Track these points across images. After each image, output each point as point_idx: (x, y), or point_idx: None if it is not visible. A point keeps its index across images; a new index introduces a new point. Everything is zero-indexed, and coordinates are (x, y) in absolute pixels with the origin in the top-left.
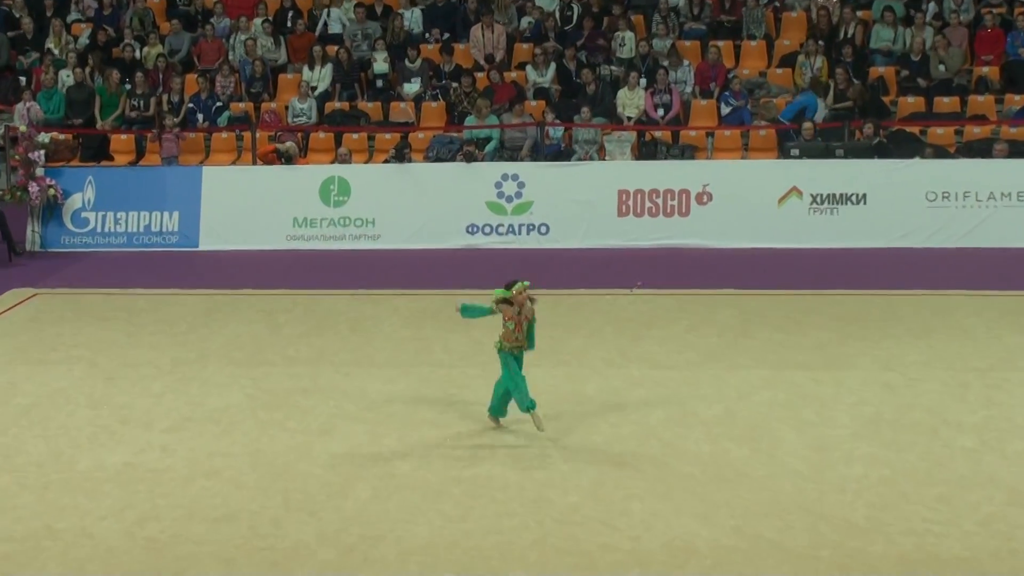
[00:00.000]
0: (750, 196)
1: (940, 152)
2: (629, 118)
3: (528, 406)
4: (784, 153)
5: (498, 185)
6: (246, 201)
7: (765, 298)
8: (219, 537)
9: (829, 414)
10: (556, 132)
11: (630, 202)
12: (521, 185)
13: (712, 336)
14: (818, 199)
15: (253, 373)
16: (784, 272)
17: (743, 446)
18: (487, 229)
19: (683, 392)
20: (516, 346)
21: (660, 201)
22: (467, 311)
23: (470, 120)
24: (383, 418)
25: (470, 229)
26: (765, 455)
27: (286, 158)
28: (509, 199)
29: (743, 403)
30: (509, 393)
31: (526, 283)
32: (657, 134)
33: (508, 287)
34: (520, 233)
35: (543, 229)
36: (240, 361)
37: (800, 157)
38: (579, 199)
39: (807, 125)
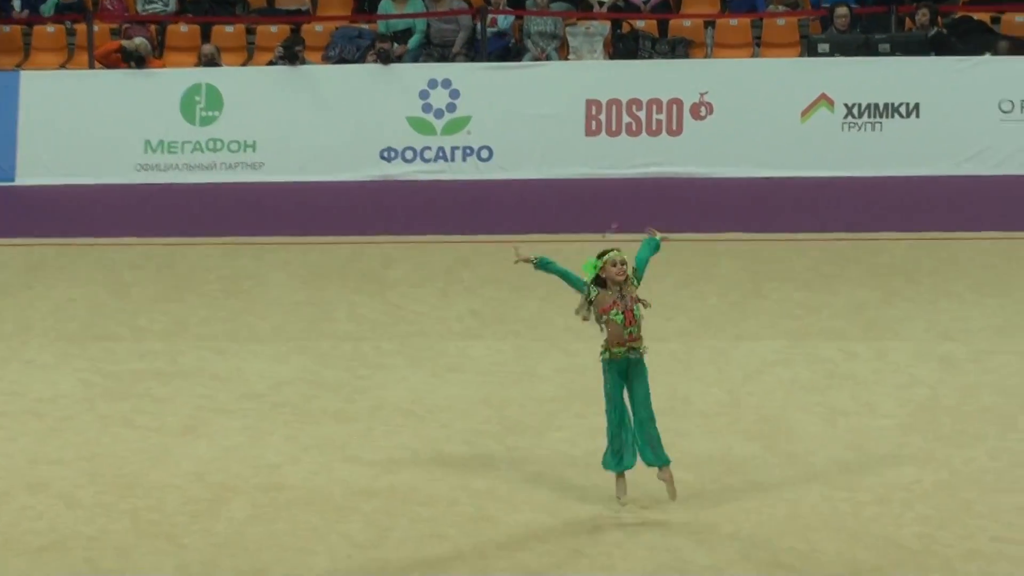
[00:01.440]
0: (763, 108)
1: (1019, 46)
2: (601, 3)
3: (614, 464)
4: (810, 50)
5: (424, 95)
6: (80, 119)
7: (783, 245)
8: (44, 573)
9: (869, 399)
10: (503, 22)
11: (602, 117)
12: (454, 95)
13: (712, 296)
14: (855, 111)
15: (91, 351)
16: (809, 210)
17: (753, 443)
18: (408, 154)
19: (673, 371)
20: (629, 348)
21: (643, 115)
22: (545, 265)
23: (385, 6)
24: (268, 410)
25: (386, 155)
26: (782, 455)
27: (135, 60)
28: (438, 114)
29: (753, 385)
30: (632, 431)
31: (619, 252)
32: (639, 24)
33: (599, 257)
34: (453, 159)
35: (484, 154)
36: (73, 335)
37: (831, 54)
38: (533, 113)
39: (841, 11)
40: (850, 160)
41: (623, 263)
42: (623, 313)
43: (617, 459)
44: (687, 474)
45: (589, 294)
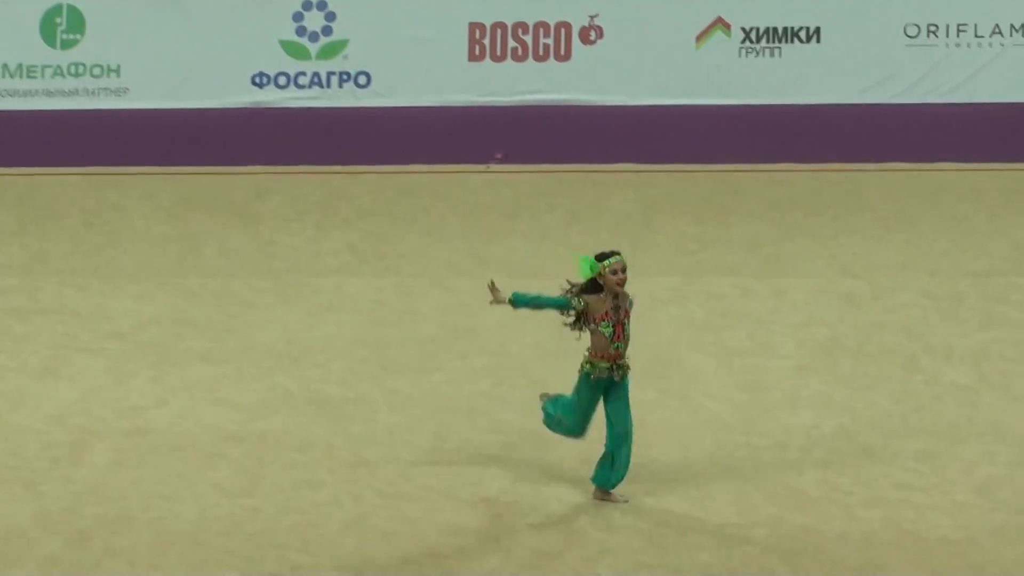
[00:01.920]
0: (656, 32)
1: None
2: None
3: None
4: None
5: (298, 17)
6: None
7: (676, 176)
8: None
9: (766, 339)
10: None
11: (486, 41)
12: (330, 17)
13: (601, 230)
14: (752, 36)
15: None
16: (704, 139)
17: (646, 386)
18: (282, 80)
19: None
20: (614, 365)
21: (529, 39)
22: (522, 301)
23: None
24: (132, 350)
25: (258, 80)
26: (676, 397)
27: None
28: (313, 37)
29: (645, 324)
30: (616, 446)
31: (620, 257)
32: None
33: (599, 260)
34: (329, 85)
35: (362, 80)
36: None
37: None
38: (414, 37)
39: None
40: (747, 87)
41: (624, 271)
42: (613, 327)
43: (604, 475)
44: None
45: (580, 307)
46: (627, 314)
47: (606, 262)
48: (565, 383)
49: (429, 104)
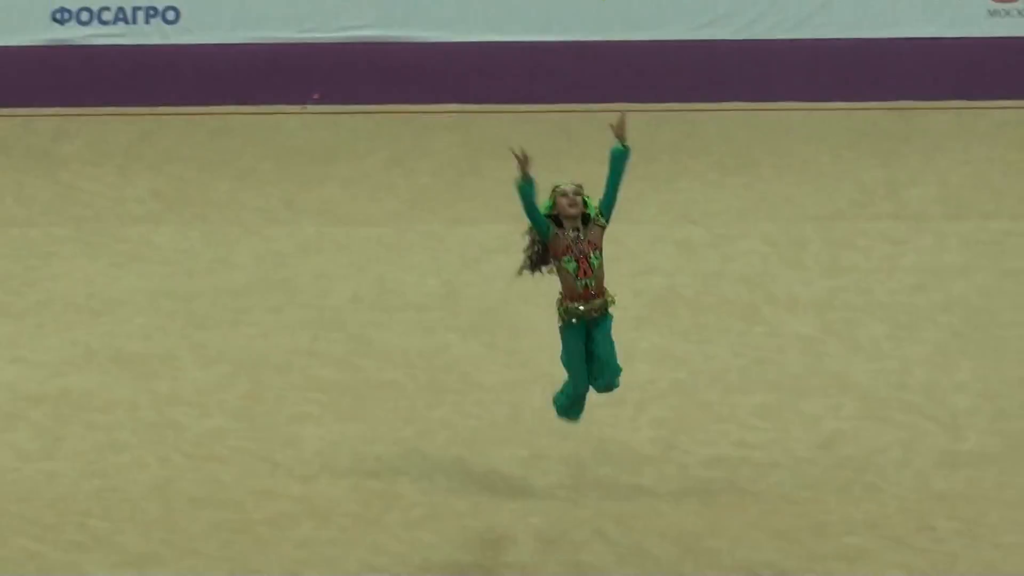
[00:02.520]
0: None
1: None
2: None
3: (564, 412)
4: None
5: None
6: None
7: (503, 117)
8: None
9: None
10: None
11: None
12: None
13: (424, 174)
14: None
15: None
16: (530, 78)
17: (471, 338)
18: (84, 16)
19: (381, 259)
20: (587, 306)
21: None
22: (526, 195)
23: None
24: None
25: (58, 16)
26: (503, 352)
27: None
28: None
29: (470, 274)
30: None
31: (575, 184)
32: None
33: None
34: (135, 21)
35: (170, 15)
36: None
37: None
38: None
39: None
40: (579, 22)
41: (576, 193)
42: (576, 260)
43: (568, 409)
44: (395, 373)
45: (545, 233)
46: (593, 245)
47: (557, 187)
48: (385, 335)
49: (242, 41)
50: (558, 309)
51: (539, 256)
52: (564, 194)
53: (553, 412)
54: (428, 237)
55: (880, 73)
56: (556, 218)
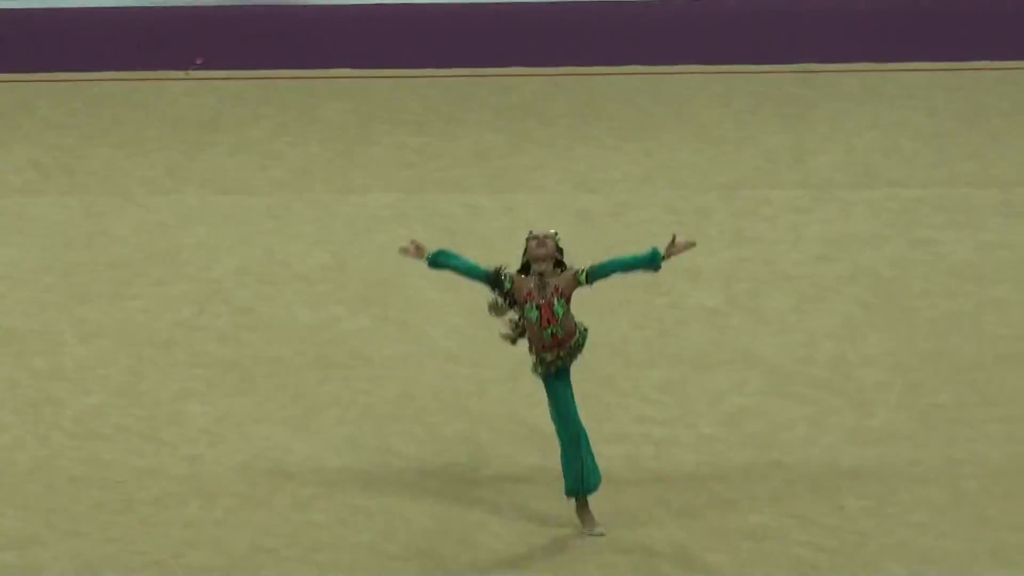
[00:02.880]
0: None
1: None
2: None
3: (573, 488)
4: None
5: None
6: None
7: (395, 82)
8: None
9: (496, 260)
10: None
11: None
12: None
13: (312, 142)
14: None
15: None
16: (424, 42)
17: (362, 312)
18: None
19: (268, 229)
20: (553, 354)
21: None
22: (443, 261)
23: None
24: None
25: None
26: (396, 326)
27: None
28: None
29: (360, 245)
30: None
31: (552, 232)
32: None
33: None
34: None
35: None
36: None
37: None
38: None
39: None
40: None
41: (546, 237)
42: (538, 308)
43: (577, 481)
44: (283, 348)
45: (504, 283)
46: (560, 292)
47: (530, 233)
48: (272, 309)
49: (122, 4)
50: (533, 368)
51: (509, 305)
52: (533, 236)
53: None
54: (316, 207)
55: (784, 35)
56: (526, 265)
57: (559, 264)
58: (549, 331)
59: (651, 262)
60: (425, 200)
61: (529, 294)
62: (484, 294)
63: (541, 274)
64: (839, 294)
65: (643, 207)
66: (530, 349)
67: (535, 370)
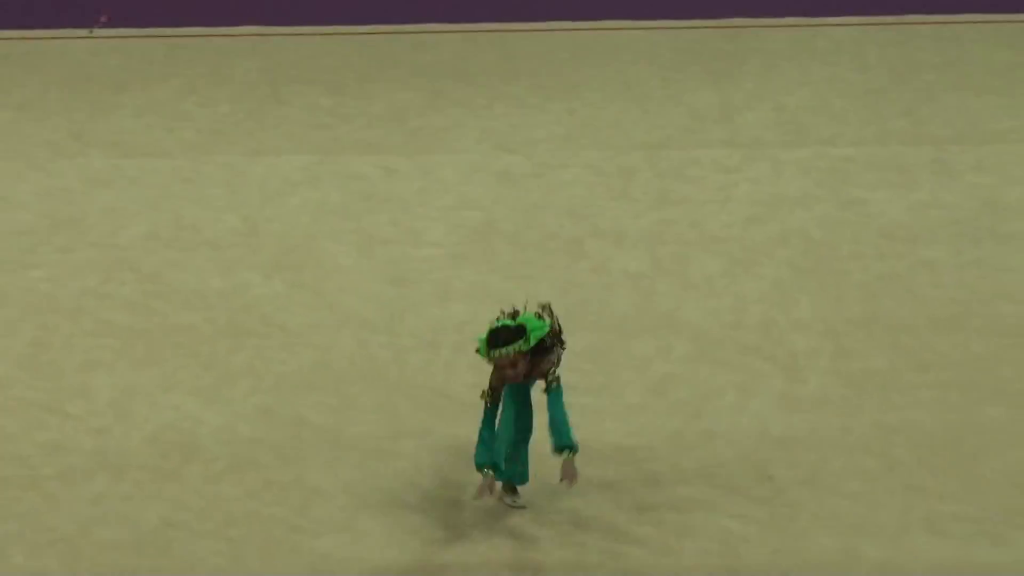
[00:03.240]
0: None
1: None
2: None
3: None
4: None
5: None
6: None
7: (307, 40)
8: None
9: (412, 224)
10: None
11: None
12: None
13: (222, 103)
14: None
15: None
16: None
17: (274, 277)
18: None
19: (176, 193)
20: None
21: None
22: (498, 461)
23: None
24: None
25: None
26: (310, 292)
27: None
28: None
29: (273, 209)
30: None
31: (517, 345)
32: None
33: (490, 345)
34: None
35: None
36: None
37: None
38: None
39: None
40: None
41: (514, 365)
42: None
43: (496, 458)
44: (193, 316)
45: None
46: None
47: (494, 352)
48: (181, 276)
49: None
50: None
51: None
52: (503, 366)
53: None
54: (227, 169)
55: None
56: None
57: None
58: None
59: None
60: (339, 162)
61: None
62: (401, 262)
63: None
64: (768, 257)
65: (566, 167)
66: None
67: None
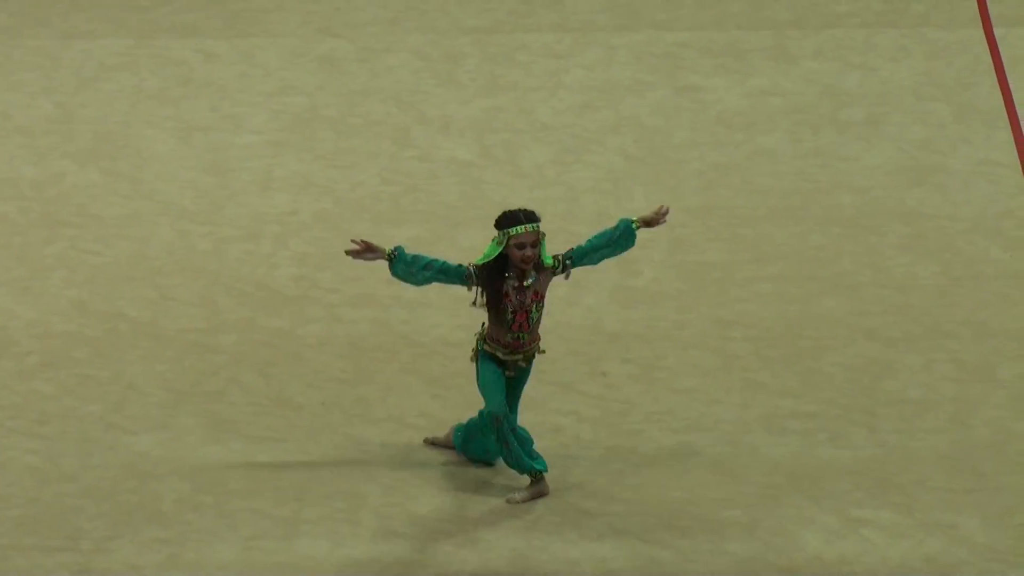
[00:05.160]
0: None
1: None
2: None
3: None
4: None
5: None
6: None
7: None
8: None
9: (232, 111)
10: None
11: None
12: None
13: None
14: None
15: None
16: None
17: (89, 166)
18: None
19: None
20: (511, 357)
21: None
22: (406, 262)
23: None
24: None
25: None
26: (127, 181)
27: None
28: None
29: (88, 95)
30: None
31: (532, 225)
32: None
33: (502, 228)
34: None
35: None
36: None
37: None
38: None
39: None
40: None
41: (534, 245)
42: (513, 312)
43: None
44: (6, 206)
45: (479, 280)
46: (538, 297)
47: (511, 230)
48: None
49: None
50: (476, 342)
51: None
52: (522, 245)
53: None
54: (39, 54)
55: None
56: (502, 258)
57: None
58: (514, 335)
59: (625, 239)
60: (157, 46)
61: (506, 296)
62: (221, 149)
63: (522, 275)
64: (601, 145)
65: (391, 52)
66: (482, 333)
67: (481, 346)
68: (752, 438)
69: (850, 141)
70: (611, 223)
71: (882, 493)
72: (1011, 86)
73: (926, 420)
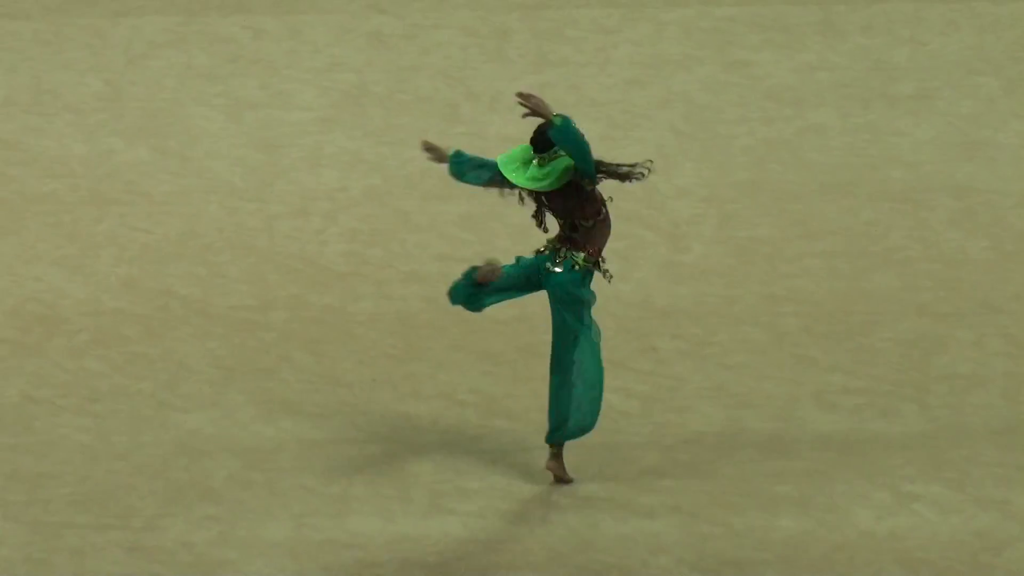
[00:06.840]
0: None
1: None
2: None
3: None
4: None
5: None
6: None
7: None
8: None
9: (281, 87)
10: None
11: None
12: None
13: None
14: None
15: None
16: None
17: (139, 144)
18: None
19: (36, 56)
20: (549, 248)
21: None
22: (462, 163)
23: None
24: None
25: None
26: (176, 159)
27: None
28: None
29: (137, 73)
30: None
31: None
32: None
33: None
34: None
35: None
36: None
37: None
38: None
39: None
40: None
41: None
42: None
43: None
44: (56, 184)
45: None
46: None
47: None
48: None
49: None
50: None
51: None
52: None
53: None
54: (88, 32)
55: None
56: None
57: None
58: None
59: (560, 134)
60: (205, 23)
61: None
62: (270, 126)
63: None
64: (650, 121)
65: (439, 28)
66: (587, 259)
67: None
68: (803, 414)
69: (900, 116)
70: (660, 200)
71: (933, 468)
72: None
73: (977, 395)
